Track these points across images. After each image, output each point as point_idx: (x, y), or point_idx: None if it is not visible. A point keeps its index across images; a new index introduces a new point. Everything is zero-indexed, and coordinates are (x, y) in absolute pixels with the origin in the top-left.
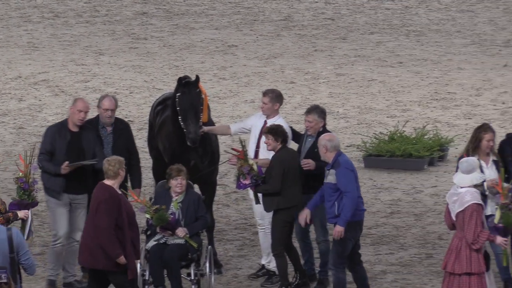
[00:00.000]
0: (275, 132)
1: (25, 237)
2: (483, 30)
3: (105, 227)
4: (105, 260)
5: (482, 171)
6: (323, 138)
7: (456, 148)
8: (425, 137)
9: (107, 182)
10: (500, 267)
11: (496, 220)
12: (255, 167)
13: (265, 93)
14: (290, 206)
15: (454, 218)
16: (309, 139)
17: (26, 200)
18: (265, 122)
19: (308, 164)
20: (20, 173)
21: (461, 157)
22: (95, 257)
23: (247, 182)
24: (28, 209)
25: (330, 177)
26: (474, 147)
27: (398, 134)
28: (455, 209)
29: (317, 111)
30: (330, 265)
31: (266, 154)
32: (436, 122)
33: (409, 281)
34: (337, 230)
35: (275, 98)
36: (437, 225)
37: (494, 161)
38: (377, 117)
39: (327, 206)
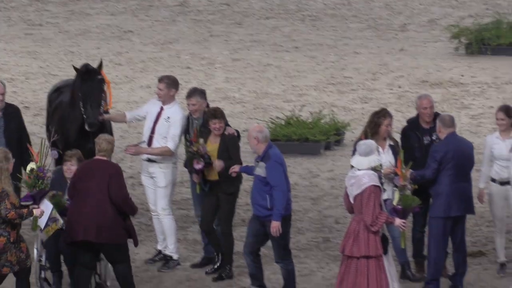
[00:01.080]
0: (221, 114)
1: (42, 227)
2: (379, 15)
3: (128, 197)
4: (114, 235)
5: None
6: (254, 130)
7: (353, 132)
8: (322, 121)
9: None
10: (398, 250)
11: (394, 202)
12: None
13: (160, 80)
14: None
15: (352, 201)
16: (196, 122)
17: (43, 189)
18: (161, 109)
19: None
20: (35, 164)
21: (358, 140)
22: (102, 232)
23: (199, 166)
24: (43, 198)
25: (259, 170)
26: (372, 133)
27: (295, 119)
28: (353, 192)
29: (198, 92)
30: (278, 259)
31: (160, 141)
32: (332, 106)
33: (306, 265)
34: (273, 226)
35: (171, 84)
36: (334, 209)
37: (390, 145)
38: (273, 102)
39: (258, 199)
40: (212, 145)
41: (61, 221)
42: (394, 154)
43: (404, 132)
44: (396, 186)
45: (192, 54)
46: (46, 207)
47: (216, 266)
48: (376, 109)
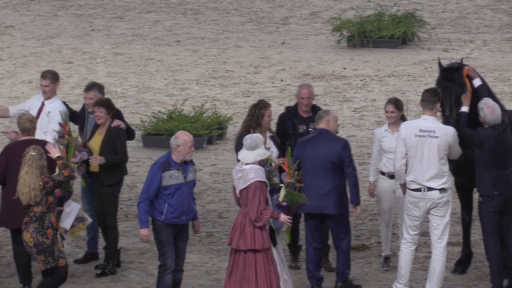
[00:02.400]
0: (108, 104)
1: (68, 228)
2: (261, 8)
3: None
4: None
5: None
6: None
7: (235, 126)
8: (204, 115)
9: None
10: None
11: (280, 199)
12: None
13: (44, 76)
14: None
15: (238, 195)
16: (91, 116)
17: (67, 191)
18: (43, 104)
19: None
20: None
21: (240, 135)
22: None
23: (76, 159)
24: (68, 200)
25: (191, 174)
26: (256, 125)
27: (177, 113)
28: (239, 186)
29: (96, 87)
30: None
31: (42, 136)
32: (214, 100)
33: (189, 260)
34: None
35: (55, 79)
36: (217, 203)
37: (271, 137)
38: (155, 96)
39: (192, 204)
40: (97, 136)
41: (89, 219)
42: (276, 145)
43: (281, 118)
44: (282, 182)
45: (73, 49)
46: (74, 207)
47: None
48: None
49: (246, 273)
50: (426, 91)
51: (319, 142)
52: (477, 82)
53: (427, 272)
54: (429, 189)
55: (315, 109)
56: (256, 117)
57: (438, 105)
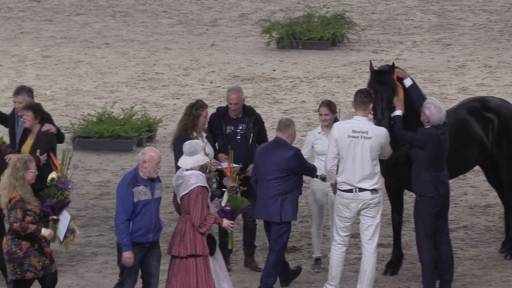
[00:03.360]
0: (36, 109)
1: (61, 239)
2: (190, 10)
3: None
4: None
5: None
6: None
7: (165, 129)
8: (134, 118)
9: None
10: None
11: (223, 203)
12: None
13: None
14: None
15: (179, 201)
16: (22, 120)
17: (63, 200)
18: None
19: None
20: (56, 173)
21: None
22: None
23: None
24: (63, 210)
25: (158, 191)
26: (192, 125)
27: (106, 115)
28: (180, 192)
29: (25, 90)
30: None
31: None
32: (144, 102)
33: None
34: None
35: None
36: None
37: (206, 137)
38: (85, 99)
39: (158, 221)
40: (28, 141)
41: (77, 232)
42: (212, 146)
43: (211, 119)
44: (225, 187)
45: (2, 52)
46: (64, 218)
47: None
48: (187, 104)
49: (187, 280)
50: (359, 91)
51: (273, 150)
52: (408, 82)
53: (358, 274)
54: (361, 190)
55: (246, 109)
56: (192, 116)
57: (371, 106)
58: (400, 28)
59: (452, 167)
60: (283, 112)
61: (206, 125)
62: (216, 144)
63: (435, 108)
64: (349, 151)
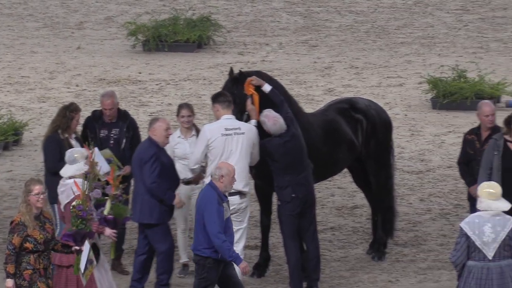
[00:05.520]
0: None
1: (82, 270)
2: (55, 13)
3: None
4: None
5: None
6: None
7: (31, 132)
8: None
9: None
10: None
11: (106, 212)
12: None
13: None
14: None
15: (63, 209)
16: None
17: (83, 229)
18: None
19: None
20: (78, 200)
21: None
22: None
23: None
24: (85, 240)
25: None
26: (65, 128)
27: None
28: (63, 200)
29: None
30: None
31: None
32: (10, 106)
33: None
34: None
35: None
36: (14, 210)
37: (76, 138)
38: None
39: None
40: None
41: (95, 262)
42: (81, 146)
43: (85, 122)
44: (107, 195)
45: None
46: (85, 248)
47: None
48: (54, 108)
49: None
50: (220, 94)
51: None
52: (267, 88)
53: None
54: (230, 194)
55: (120, 114)
56: (66, 119)
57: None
58: (266, 30)
59: (323, 169)
60: (149, 115)
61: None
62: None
63: (270, 122)
64: (224, 149)
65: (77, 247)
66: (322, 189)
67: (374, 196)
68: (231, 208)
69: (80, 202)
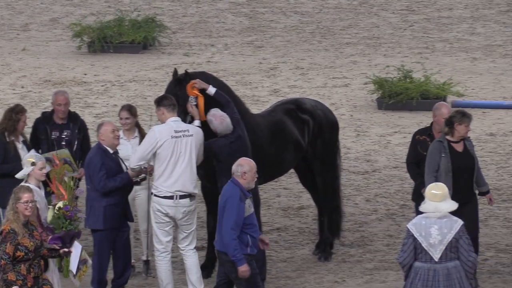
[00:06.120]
0: None
1: (75, 272)
2: (0, 15)
3: None
4: None
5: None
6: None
7: None
8: None
9: None
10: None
11: (48, 220)
12: None
13: None
14: None
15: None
16: None
17: (72, 230)
18: None
19: None
20: (62, 202)
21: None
22: None
23: None
24: (74, 241)
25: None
26: (11, 130)
27: None
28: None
29: None
30: None
31: None
32: None
33: None
34: None
35: None
36: None
37: (23, 141)
38: None
39: None
40: None
41: (90, 261)
42: (28, 149)
43: (35, 123)
44: (51, 204)
45: None
46: (76, 249)
47: None
48: (0, 110)
49: None
50: (165, 97)
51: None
52: (211, 90)
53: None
54: (181, 197)
55: (71, 115)
56: (12, 121)
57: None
58: (211, 31)
59: (270, 169)
60: (95, 116)
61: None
62: (40, 150)
63: (217, 120)
64: (174, 152)
65: (65, 249)
66: (268, 190)
67: (320, 196)
68: (182, 211)
69: (67, 203)
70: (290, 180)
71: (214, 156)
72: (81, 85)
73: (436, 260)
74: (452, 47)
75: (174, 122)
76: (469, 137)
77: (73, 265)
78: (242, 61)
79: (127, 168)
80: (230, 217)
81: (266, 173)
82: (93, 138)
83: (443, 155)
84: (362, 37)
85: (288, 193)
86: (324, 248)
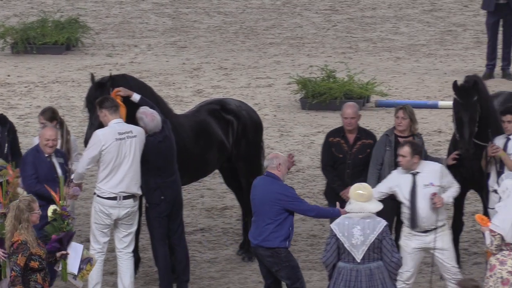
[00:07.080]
0: None
1: (76, 273)
2: None
3: None
4: None
5: None
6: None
7: None
8: None
9: None
10: None
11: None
12: None
13: None
14: None
15: None
16: None
17: (71, 231)
18: None
19: None
20: (55, 205)
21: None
22: None
23: None
24: (70, 242)
25: None
26: None
27: None
28: None
29: None
30: None
31: None
32: None
33: None
34: None
35: None
36: None
37: None
38: None
39: None
40: None
41: (95, 259)
42: None
43: None
44: None
45: None
46: (75, 249)
47: None
48: None
49: None
50: (106, 99)
51: None
52: (136, 97)
53: (113, 277)
54: (125, 197)
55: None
56: None
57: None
58: (134, 31)
59: (195, 170)
60: (18, 117)
61: None
62: None
63: (148, 118)
64: (118, 154)
65: (63, 252)
66: (192, 191)
67: (244, 197)
68: (125, 212)
69: (63, 203)
70: (213, 181)
71: (142, 155)
72: (4, 87)
73: (358, 260)
74: (376, 46)
75: (117, 124)
76: (420, 133)
77: (73, 266)
78: (166, 61)
79: (62, 173)
80: (300, 203)
81: (190, 173)
82: (20, 139)
83: (387, 148)
84: (286, 37)
85: (211, 193)
86: (248, 248)
